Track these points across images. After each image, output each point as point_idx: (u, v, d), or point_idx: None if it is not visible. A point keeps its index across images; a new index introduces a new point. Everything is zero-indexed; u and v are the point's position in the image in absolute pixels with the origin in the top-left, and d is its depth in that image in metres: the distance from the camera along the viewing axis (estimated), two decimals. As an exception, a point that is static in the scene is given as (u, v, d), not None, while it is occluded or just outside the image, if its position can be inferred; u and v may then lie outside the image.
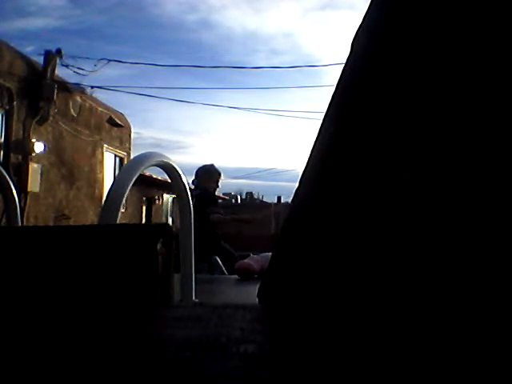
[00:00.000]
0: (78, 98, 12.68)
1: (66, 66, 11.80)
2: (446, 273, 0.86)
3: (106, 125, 14.35)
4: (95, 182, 13.83)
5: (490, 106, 0.78)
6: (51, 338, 1.33)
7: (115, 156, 15.14)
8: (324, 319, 1.34)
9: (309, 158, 1.62)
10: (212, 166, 6.68)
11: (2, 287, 1.70)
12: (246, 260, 6.32)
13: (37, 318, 1.55)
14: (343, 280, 1.26)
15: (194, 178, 6.45)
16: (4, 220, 5.68)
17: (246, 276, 5.65)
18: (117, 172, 14.75)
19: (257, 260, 6.06)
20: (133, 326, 1.49)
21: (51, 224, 11.10)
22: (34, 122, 11.05)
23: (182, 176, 3.10)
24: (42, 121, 11.32)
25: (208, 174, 6.43)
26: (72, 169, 12.70)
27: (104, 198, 2.64)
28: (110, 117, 14.42)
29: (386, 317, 1.06)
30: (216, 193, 6.81)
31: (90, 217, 13.16)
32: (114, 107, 14.98)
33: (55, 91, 11.42)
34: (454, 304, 0.85)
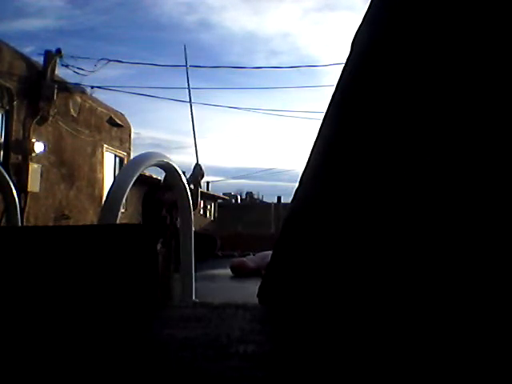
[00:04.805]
0: (78, 98, 12.65)
1: (66, 65, 11.77)
2: (446, 271, 0.86)
3: (106, 125, 14.32)
4: (95, 181, 13.80)
5: (488, 105, 0.78)
6: (52, 337, 1.33)
7: (115, 156, 15.11)
8: (324, 319, 1.34)
9: (309, 158, 1.62)
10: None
11: (2, 286, 1.70)
12: (240, 258, 6.91)
13: (37, 317, 1.55)
14: (343, 280, 1.26)
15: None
16: (4, 220, 5.67)
17: (240, 273, 6.06)
18: (117, 172, 14.72)
19: (252, 259, 6.56)
20: (133, 326, 1.49)
21: (51, 224, 11.09)
22: (33, 122, 11.02)
23: (182, 176, 3.10)
24: (42, 121, 11.29)
25: None
26: (72, 169, 12.68)
27: (104, 197, 2.65)
28: (110, 117, 14.39)
29: (385, 316, 1.05)
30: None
31: (90, 217, 13.14)
32: (114, 107, 14.95)
33: (55, 91, 11.40)
34: (453, 301, 0.85)
